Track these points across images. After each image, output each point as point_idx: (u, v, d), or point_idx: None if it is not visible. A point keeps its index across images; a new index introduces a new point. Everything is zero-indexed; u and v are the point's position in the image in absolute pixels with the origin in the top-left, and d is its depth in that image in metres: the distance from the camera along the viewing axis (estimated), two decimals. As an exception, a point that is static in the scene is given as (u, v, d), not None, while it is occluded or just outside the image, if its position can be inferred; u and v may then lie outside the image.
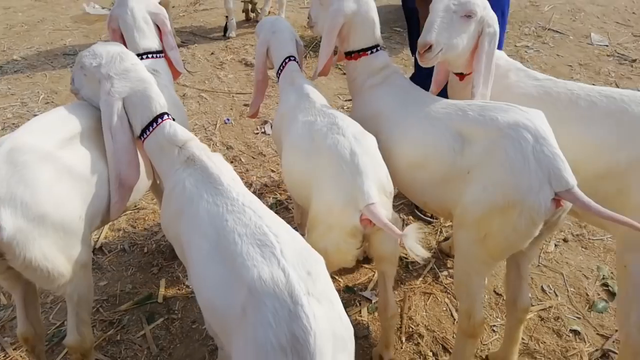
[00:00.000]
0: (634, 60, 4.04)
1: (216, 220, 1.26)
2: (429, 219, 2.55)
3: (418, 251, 1.28)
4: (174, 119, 1.59)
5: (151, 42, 1.94)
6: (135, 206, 2.55)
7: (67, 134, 1.53)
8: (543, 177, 1.36)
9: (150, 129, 1.55)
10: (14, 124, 3.18)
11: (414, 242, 1.28)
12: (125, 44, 1.90)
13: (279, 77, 1.94)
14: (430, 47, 1.65)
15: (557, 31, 4.53)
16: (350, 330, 1.13)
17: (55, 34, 4.42)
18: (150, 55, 1.90)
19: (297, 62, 1.94)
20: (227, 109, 3.42)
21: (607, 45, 4.29)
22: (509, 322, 1.76)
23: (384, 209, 1.43)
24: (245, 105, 3.47)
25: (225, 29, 4.41)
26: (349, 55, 1.91)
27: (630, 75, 3.84)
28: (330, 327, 1.05)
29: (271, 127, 3.23)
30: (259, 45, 1.99)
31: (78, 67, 1.64)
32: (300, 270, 1.09)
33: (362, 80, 1.88)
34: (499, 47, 1.94)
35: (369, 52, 1.87)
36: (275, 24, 1.99)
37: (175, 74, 2.03)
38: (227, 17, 4.36)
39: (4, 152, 1.36)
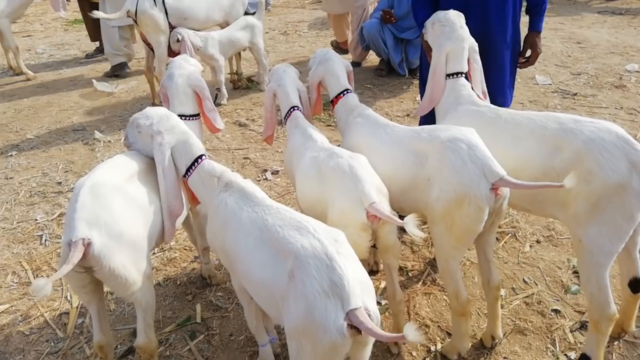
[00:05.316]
0: (575, 94, 4.69)
1: (258, 222, 1.62)
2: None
3: (417, 233, 1.62)
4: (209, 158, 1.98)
5: (186, 108, 2.32)
6: (162, 249, 2.87)
7: (129, 173, 1.90)
8: (480, 173, 1.78)
9: (193, 167, 1.93)
10: (39, 191, 3.50)
11: (413, 226, 1.60)
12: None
13: (285, 121, 2.37)
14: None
15: (506, 76, 5.18)
16: (370, 280, 1.48)
17: (62, 113, 4.83)
18: (184, 118, 2.25)
19: (300, 110, 2.36)
20: (230, 163, 3.82)
21: (550, 84, 4.95)
22: (488, 299, 2.11)
23: (384, 205, 1.82)
24: (245, 158, 3.89)
25: (216, 97, 4.92)
26: (332, 102, 2.42)
27: (573, 107, 4.45)
28: (356, 275, 1.41)
29: (271, 173, 3.65)
30: (268, 91, 2.42)
31: (133, 126, 2.02)
32: (330, 238, 1.46)
33: (345, 118, 2.35)
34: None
35: (342, 95, 2.38)
36: (281, 77, 2.38)
37: (214, 130, 2.38)
38: (217, 88, 4.87)
39: (88, 187, 1.73)
